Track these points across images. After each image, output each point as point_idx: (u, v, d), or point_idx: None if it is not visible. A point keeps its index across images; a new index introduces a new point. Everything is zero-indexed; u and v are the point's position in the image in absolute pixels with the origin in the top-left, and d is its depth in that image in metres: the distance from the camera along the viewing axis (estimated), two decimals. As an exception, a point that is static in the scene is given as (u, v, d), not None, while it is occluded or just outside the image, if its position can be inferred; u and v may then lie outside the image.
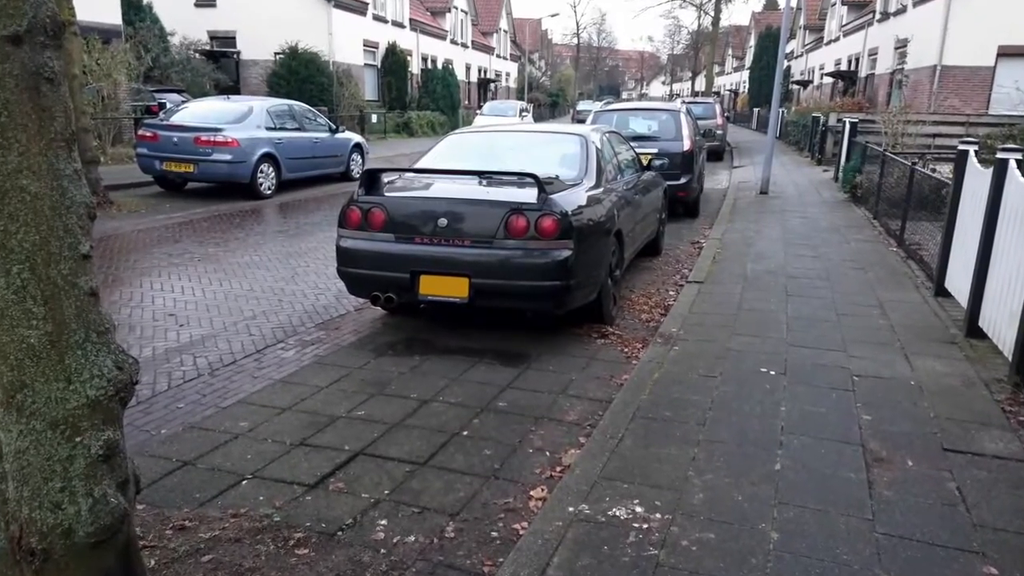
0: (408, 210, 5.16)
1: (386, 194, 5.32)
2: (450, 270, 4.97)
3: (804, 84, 40.44)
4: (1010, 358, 4.57)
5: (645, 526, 2.98)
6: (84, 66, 12.77)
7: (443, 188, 5.60)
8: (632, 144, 8.25)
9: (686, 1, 60.31)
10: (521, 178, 5.31)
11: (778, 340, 5.24)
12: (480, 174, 5.52)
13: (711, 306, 6.16)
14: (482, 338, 5.43)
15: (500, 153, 6.40)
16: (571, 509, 3.09)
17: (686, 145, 10.73)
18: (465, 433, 3.88)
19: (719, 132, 21.51)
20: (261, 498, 3.27)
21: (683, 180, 10.59)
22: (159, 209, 11.18)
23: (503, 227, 4.86)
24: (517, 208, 4.87)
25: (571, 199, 5.16)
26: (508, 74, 59.77)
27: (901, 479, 3.36)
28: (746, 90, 50.92)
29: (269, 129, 12.74)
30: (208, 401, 4.30)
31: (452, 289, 4.99)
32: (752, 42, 53.61)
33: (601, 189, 5.79)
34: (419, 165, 6.19)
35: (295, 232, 9.67)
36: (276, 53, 26.30)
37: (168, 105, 16.54)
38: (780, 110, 26.25)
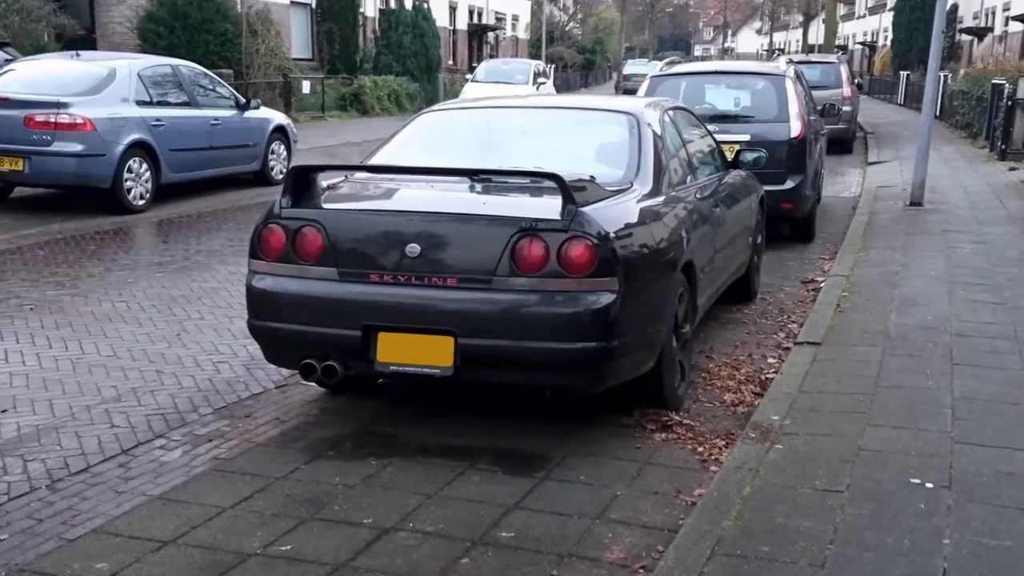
0: (359, 230, 5.26)
1: (325, 206, 5.43)
2: (425, 324, 5.05)
3: (979, 34, 40.90)
4: None
5: None
6: None
7: (414, 196, 5.70)
8: (711, 128, 8.38)
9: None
10: (536, 180, 5.42)
11: (938, 435, 5.29)
12: (472, 174, 5.63)
13: (833, 381, 6.21)
14: (475, 431, 5.49)
15: (503, 141, 6.52)
16: None
17: (795, 129, 10.89)
18: (448, 580, 3.93)
19: (846, 109, 21.77)
20: None
21: (789, 184, 10.71)
22: (-31, 229, 11.33)
23: (508, 257, 4.95)
24: (530, 227, 4.97)
25: (615, 213, 5.27)
26: (516, 18, 60.64)
27: None
28: (888, 44, 51.44)
29: (142, 104, 13.00)
30: (47, 529, 4.35)
31: (428, 354, 5.06)
32: (897, -31, 54.28)
33: (662, 198, 5.90)
34: (376, 160, 6.31)
35: (182, 265, 9.79)
36: (153, -14, 26.82)
37: (-15, 67, 16.85)
38: (941, 75, 26.52)
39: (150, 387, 6.22)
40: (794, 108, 11.06)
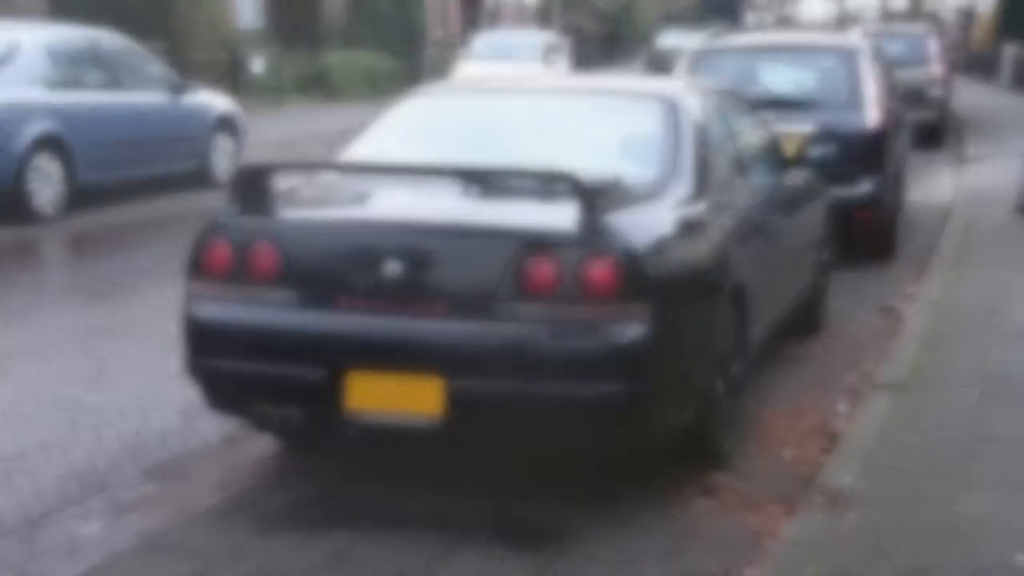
0: (325, 245, 5.29)
1: (282, 214, 5.45)
2: (407, 361, 5.07)
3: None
4: None
5: None
6: None
7: (394, 202, 5.72)
8: (766, 116, 8.40)
9: None
10: (547, 182, 5.44)
11: (1053, 500, 5.28)
12: (467, 174, 5.65)
13: (920, 433, 6.21)
14: (470, 494, 5.49)
15: (506, 133, 6.54)
16: None
17: (871, 118, 10.90)
18: None
19: (936, 92, 21.77)
20: None
21: (865, 187, 10.72)
22: None
23: (512, 278, 4.96)
24: (539, 241, 4.99)
25: (645, 224, 5.29)
26: (520, -21, 60.77)
27: None
28: (989, 11, 51.45)
29: (51, 87, 13.01)
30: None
31: (410, 399, 5.06)
32: (999, -85, 54.37)
33: (704, 205, 5.92)
34: (347, 156, 6.35)
35: (103, 288, 9.81)
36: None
37: None
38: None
39: (61, 442, 6.22)
40: (870, 91, 11.08)
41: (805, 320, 8.41)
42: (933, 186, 17.20)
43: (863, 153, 10.76)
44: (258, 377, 5.26)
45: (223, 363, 5.36)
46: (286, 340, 5.20)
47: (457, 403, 4.99)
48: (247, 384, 5.31)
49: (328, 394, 5.13)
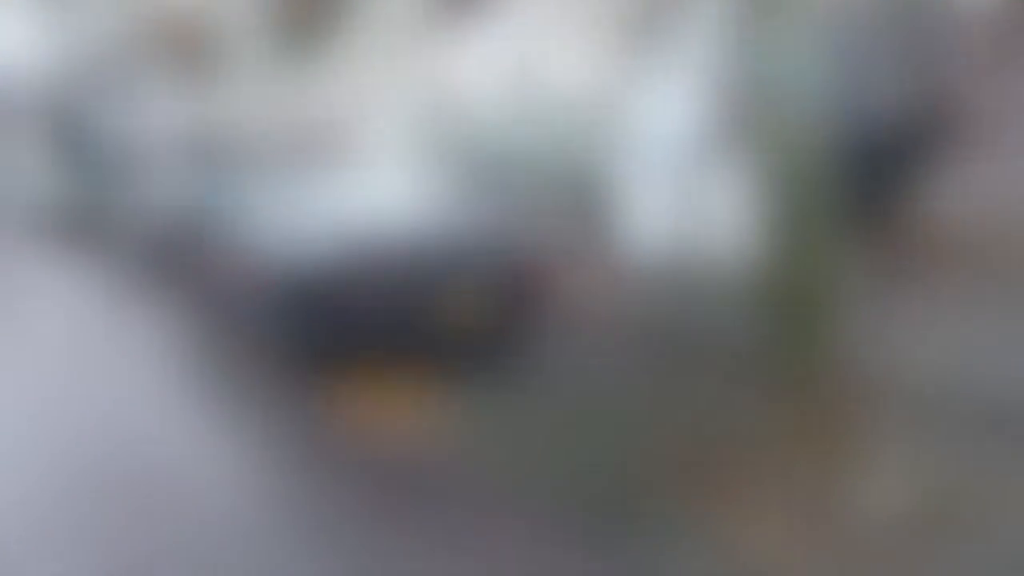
0: (320, 246, 5.32)
1: (276, 216, 5.48)
2: (405, 367, 5.10)
3: None
4: None
5: None
6: None
7: (389, 205, 5.77)
8: (761, 112, 8.41)
9: None
10: (543, 187, 5.47)
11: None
12: (461, 180, 5.69)
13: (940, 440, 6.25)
14: (468, 498, 5.54)
15: (505, 131, 6.58)
16: None
17: (883, 114, 10.87)
18: None
19: (959, 81, 21.66)
20: None
21: (877, 192, 10.65)
22: None
23: (511, 283, 4.97)
24: (535, 248, 5.01)
25: (648, 237, 5.30)
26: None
27: None
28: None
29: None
30: None
31: (409, 404, 5.07)
32: None
33: (714, 207, 5.94)
34: (339, 159, 6.38)
35: (89, 290, 9.87)
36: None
37: None
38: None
39: (50, 447, 6.24)
40: (884, 82, 11.05)
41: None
42: (957, 190, 17.14)
43: (875, 155, 10.70)
44: (255, 380, 5.31)
45: (217, 366, 5.40)
46: (282, 344, 5.24)
47: (457, 409, 5.03)
48: (245, 387, 5.36)
49: (329, 399, 5.17)
